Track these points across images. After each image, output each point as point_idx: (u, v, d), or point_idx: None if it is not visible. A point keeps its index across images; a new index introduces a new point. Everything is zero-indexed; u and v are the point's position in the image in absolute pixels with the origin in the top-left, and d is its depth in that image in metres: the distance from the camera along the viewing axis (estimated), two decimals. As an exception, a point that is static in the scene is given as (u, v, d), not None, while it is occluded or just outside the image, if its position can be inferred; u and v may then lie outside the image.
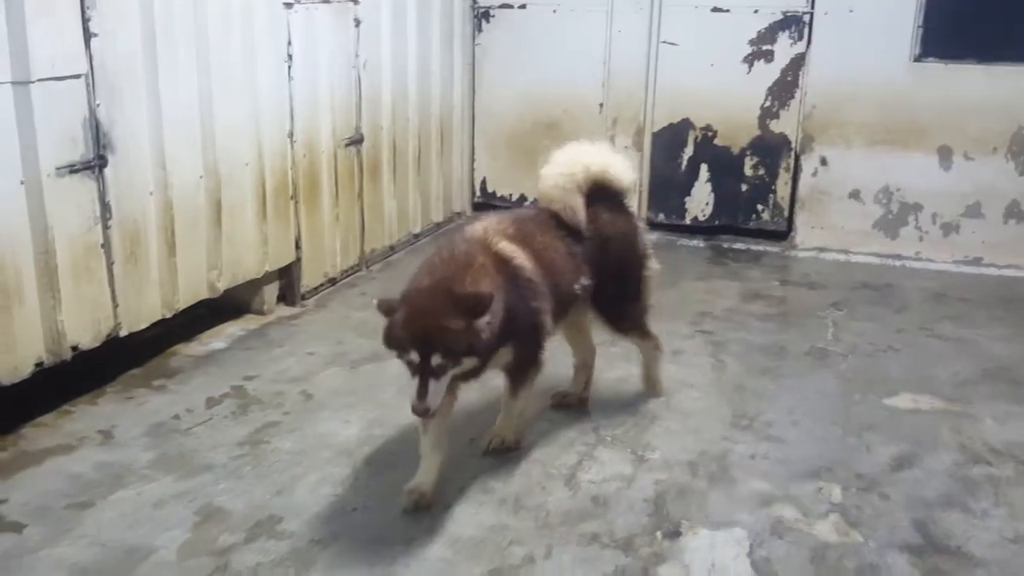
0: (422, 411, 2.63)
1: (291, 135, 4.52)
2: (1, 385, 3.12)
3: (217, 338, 4.25)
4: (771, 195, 6.12)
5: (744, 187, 6.16)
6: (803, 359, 4.12)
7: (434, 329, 2.60)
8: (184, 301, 3.93)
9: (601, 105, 6.35)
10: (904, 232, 5.82)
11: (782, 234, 6.10)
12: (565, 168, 3.24)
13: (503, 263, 2.90)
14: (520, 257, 2.96)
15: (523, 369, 3.07)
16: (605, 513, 2.85)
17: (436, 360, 2.60)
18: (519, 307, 2.88)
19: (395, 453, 3.22)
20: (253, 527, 2.78)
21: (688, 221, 6.29)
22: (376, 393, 3.72)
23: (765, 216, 6.16)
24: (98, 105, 3.34)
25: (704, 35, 6.04)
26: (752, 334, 4.43)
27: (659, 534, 2.74)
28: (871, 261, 5.72)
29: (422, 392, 2.61)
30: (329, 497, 2.96)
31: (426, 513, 2.84)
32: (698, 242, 6.11)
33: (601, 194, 3.30)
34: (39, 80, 3.08)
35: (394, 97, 5.47)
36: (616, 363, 3.99)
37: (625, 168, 3.38)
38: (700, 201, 6.25)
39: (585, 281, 3.23)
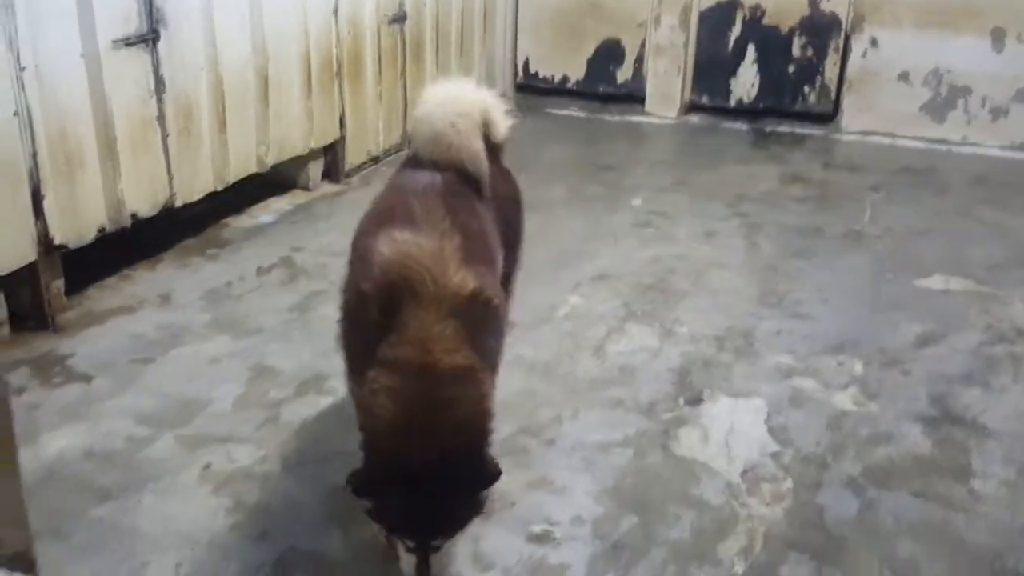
0: None
1: (335, 11, 4.53)
2: (67, 248, 3.30)
3: (265, 212, 4.39)
4: (819, 77, 6.00)
5: (791, 68, 6.04)
6: (838, 240, 4.15)
7: (442, 519, 1.95)
8: (234, 175, 4.06)
9: (648, -18, 6.21)
10: (952, 116, 5.70)
11: (828, 117, 6.00)
12: (458, 106, 2.35)
13: (473, 309, 1.98)
14: (487, 286, 2.05)
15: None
16: (631, 381, 2.98)
17: (440, 543, 2.00)
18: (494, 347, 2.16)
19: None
20: (301, 384, 2.97)
21: (733, 104, 6.21)
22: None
23: (812, 98, 6.06)
24: (150, -20, 3.41)
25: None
26: (789, 216, 4.45)
27: (681, 400, 2.87)
28: (916, 145, 5.62)
29: (423, 572, 1.97)
30: (371, 360, 3.12)
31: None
32: (742, 124, 6.05)
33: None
34: (95, -43, 3.15)
35: (437, -26, 5.42)
36: (649, 243, 4.07)
37: (504, 115, 2.53)
38: (746, 83, 6.16)
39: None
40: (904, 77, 5.76)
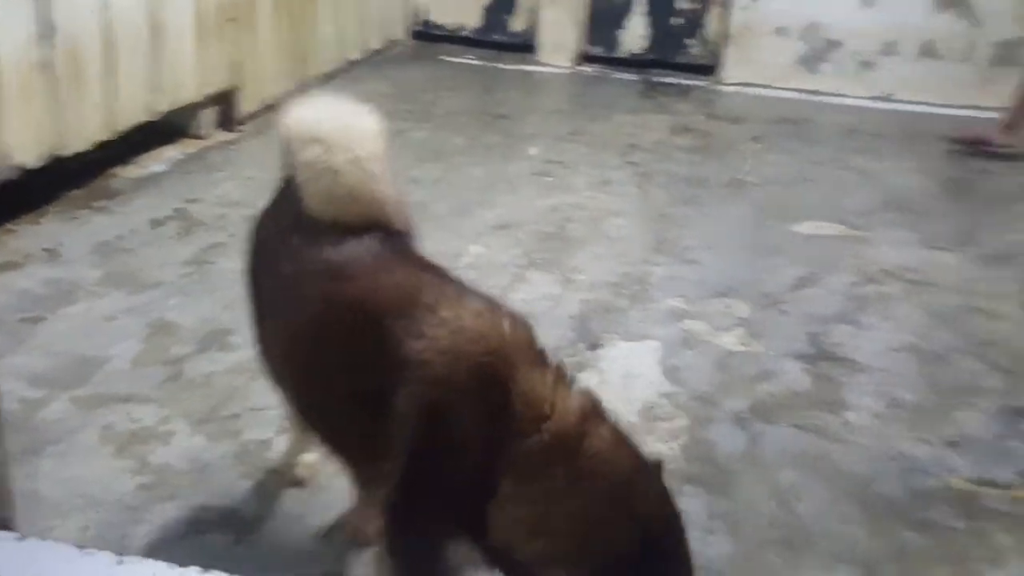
0: None
1: (225, -46, 4.30)
2: (-56, 204, 3.07)
3: (156, 161, 4.17)
4: (702, 30, 6.07)
5: (678, 21, 6.08)
6: (722, 189, 4.25)
7: None
8: (125, 123, 3.84)
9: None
10: (824, 68, 5.88)
11: (710, 69, 6.09)
12: (363, 143, 1.74)
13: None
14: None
15: None
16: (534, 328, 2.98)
17: None
18: None
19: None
20: (204, 339, 2.85)
21: (623, 54, 6.22)
22: (317, 216, 3.74)
23: (696, 50, 6.13)
24: (28, -82, 3.14)
25: None
26: (677, 165, 4.52)
27: (581, 346, 2.89)
28: (792, 96, 5.78)
29: None
30: (275, 313, 3.03)
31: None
32: (631, 75, 6.07)
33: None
34: None
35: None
36: (548, 192, 4.06)
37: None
38: (635, 34, 6.18)
39: None
40: (782, 31, 5.89)
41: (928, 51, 5.63)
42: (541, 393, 1.41)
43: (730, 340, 2.95)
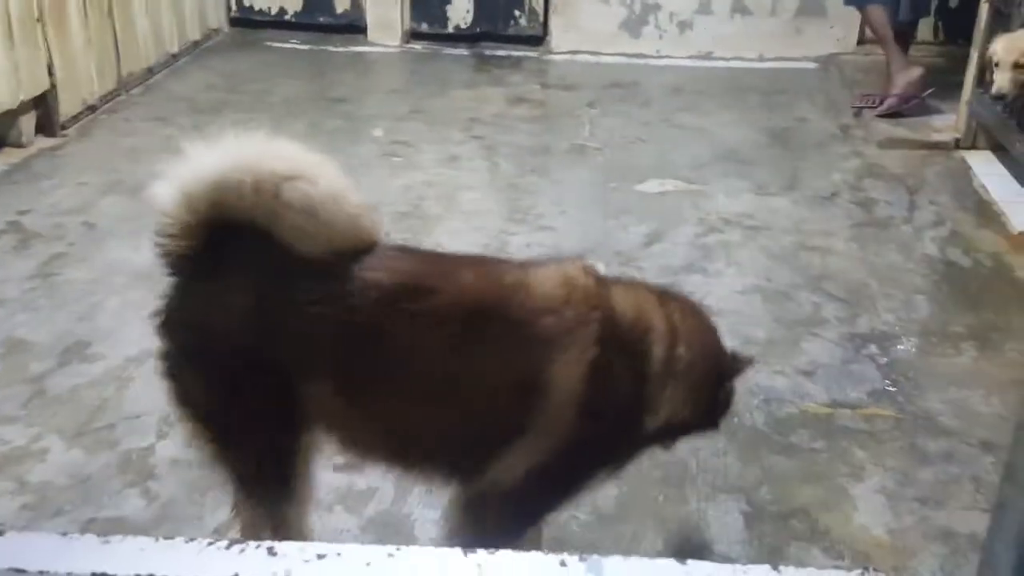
0: None
1: (27, -51, 4.08)
2: None
3: (-23, 175, 3.96)
4: (526, 1, 6.24)
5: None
6: (565, 156, 4.43)
7: None
8: (-64, 136, 3.61)
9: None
10: (646, 31, 6.17)
11: (538, 39, 6.27)
12: (319, 177, 1.62)
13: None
14: None
15: None
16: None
17: None
18: None
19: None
20: (62, 353, 2.78)
21: (451, 30, 6.31)
22: (163, 217, 3.66)
23: (523, 22, 6.30)
24: None
25: None
26: (519, 136, 4.67)
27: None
28: (619, 61, 6.03)
29: None
30: (134, 319, 2.92)
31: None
32: (461, 50, 6.17)
33: None
34: None
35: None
36: (398, 172, 4.13)
37: None
38: (461, 9, 6.27)
39: None
40: (603, -2, 6.14)
41: (739, 8, 6.02)
42: (636, 313, 1.71)
43: (589, 297, 3.13)
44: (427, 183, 4.02)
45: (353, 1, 6.28)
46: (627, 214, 3.79)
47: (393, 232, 3.52)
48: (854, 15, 5.53)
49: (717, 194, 3.99)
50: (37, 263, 3.28)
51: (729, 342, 1.77)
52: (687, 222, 3.73)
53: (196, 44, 5.90)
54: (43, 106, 4.34)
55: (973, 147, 4.36)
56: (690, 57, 6.04)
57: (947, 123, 4.56)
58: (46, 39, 4.26)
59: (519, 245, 3.51)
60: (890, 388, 2.73)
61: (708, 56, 6.06)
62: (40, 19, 4.20)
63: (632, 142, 4.63)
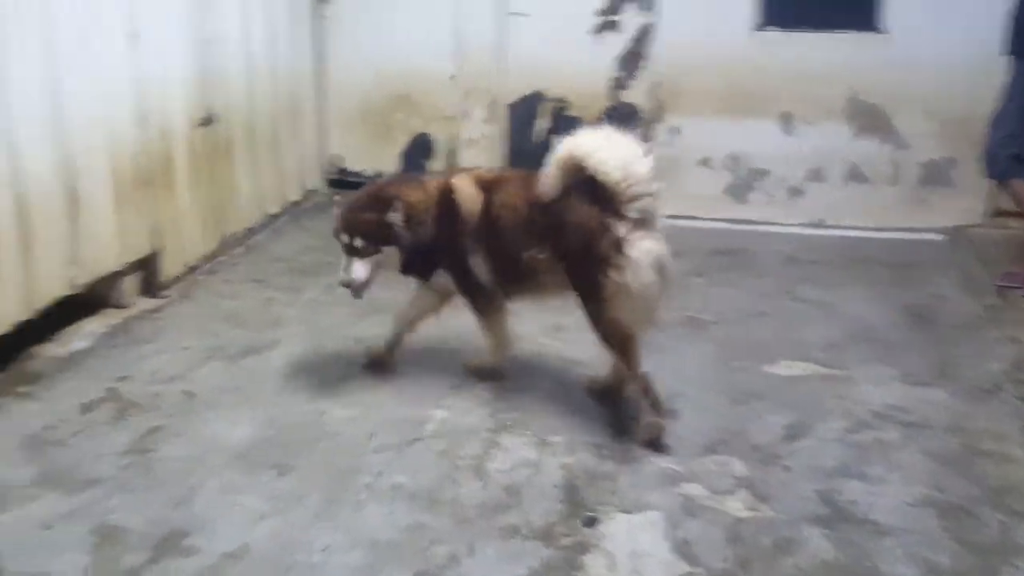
0: (346, 283, 3.38)
1: (143, 118, 4.29)
2: None
3: (78, 336, 4.00)
4: (627, 164, 6.30)
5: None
6: (677, 329, 4.28)
7: (352, 217, 3.37)
8: (44, 299, 3.71)
9: (452, 77, 6.32)
10: (752, 197, 6.15)
11: (636, 203, 6.28)
12: (563, 145, 3.16)
13: (448, 195, 3.43)
14: (467, 198, 3.41)
15: (462, 296, 3.61)
16: (520, 503, 2.88)
17: (357, 243, 3.34)
18: (446, 235, 3.42)
19: (293, 453, 3.16)
20: (157, 545, 2.67)
21: (548, 192, 6.37)
22: (261, 389, 3.62)
23: (622, 185, 6.33)
24: (-57, 95, 3.06)
25: (553, 4, 6.13)
26: (624, 306, 4.56)
27: (577, 522, 2.79)
28: (723, 227, 5.99)
29: (347, 268, 3.37)
30: (233, 505, 2.87)
31: (339, 515, 2.81)
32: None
33: (591, 183, 3.12)
34: None
35: (244, 74, 5.27)
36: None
37: (612, 162, 3.05)
38: (558, 172, 6.35)
39: (539, 253, 3.31)
40: (705, 162, 6.18)
41: (855, 175, 5.98)
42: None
43: (735, 505, 2.87)
44: (529, 352, 3.91)
45: (448, 164, 6.43)
46: (759, 400, 3.58)
47: (499, 413, 3.40)
48: (980, 186, 5.43)
49: (860, 381, 3.73)
50: (134, 436, 3.24)
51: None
52: (831, 414, 3.47)
53: (295, 204, 6.08)
54: (146, 268, 4.45)
55: None
56: (801, 224, 5.97)
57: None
58: (154, 202, 4.41)
59: (640, 433, 3.33)
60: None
61: (820, 224, 5.98)
62: (150, 183, 4.36)
63: (751, 316, 4.48)
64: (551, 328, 4.15)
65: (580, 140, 3.15)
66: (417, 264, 3.51)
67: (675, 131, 6.19)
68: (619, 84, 6.21)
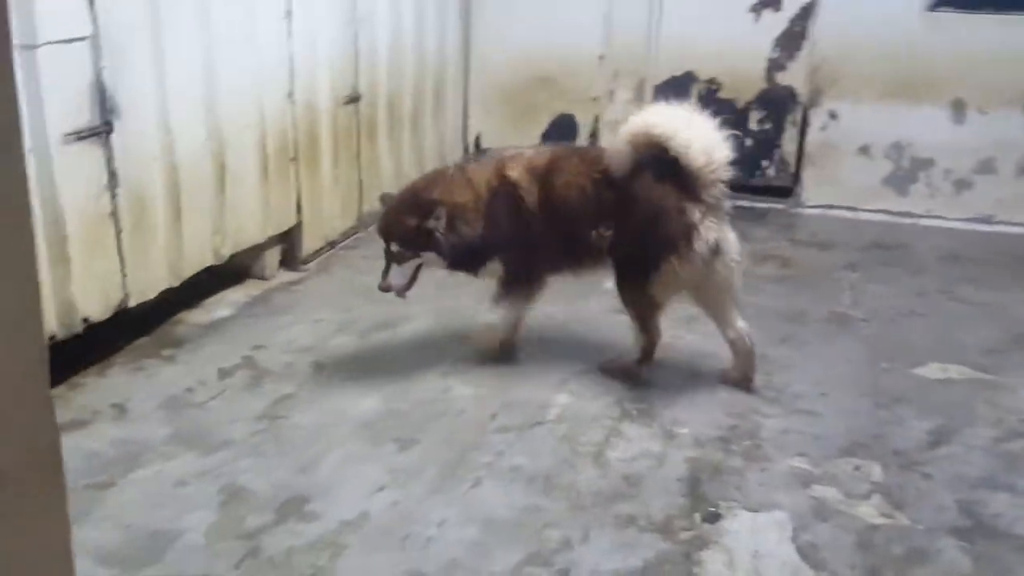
0: (384, 288, 3.39)
1: (291, 94, 4.41)
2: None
3: (221, 305, 4.18)
4: (776, 150, 6.08)
5: (749, 142, 6.10)
6: (823, 325, 4.11)
7: (391, 223, 3.37)
8: (190, 268, 3.87)
9: (601, 57, 6.24)
10: (914, 189, 5.80)
11: (787, 190, 6.06)
12: (635, 121, 3.17)
13: (505, 186, 3.37)
14: (526, 188, 3.36)
15: (502, 282, 3.52)
16: (639, 494, 2.83)
17: (394, 248, 3.34)
18: (505, 226, 3.37)
19: (416, 427, 3.20)
20: (281, 507, 2.75)
21: (692, 178, 6.22)
22: (390, 363, 3.69)
23: (770, 172, 6.12)
24: (103, 68, 3.23)
25: (710, -17, 5.95)
26: (767, 298, 4.40)
27: (697, 516, 2.72)
28: (880, 219, 5.69)
29: (384, 273, 3.38)
30: (354, 475, 2.93)
31: (456, 491, 2.82)
32: (704, 200, 6.03)
33: (664, 162, 3.14)
34: (45, 44, 2.96)
35: (390, 53, 5.34)
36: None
37: (697, 145, 3.09)
38: (704, 158, 6.19)
39: (605, 230, 3.30)
40: (865, 150, 5.86)
41: (1029, 169, 5.55)
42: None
43: (868, 510, 2.74)
44: (663, 346, 3.81)
45: (590, 145, 6.37)
46: (904, 404, 3.39)
47: (624, 401, 3.35)
48: None
49: (1018, 388, 3.49)
50: (266, 403, 3.36)
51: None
52: (981, 421, 3.26)
53: (435, 183, 6.15)
54: (288, 241, 4.60)
55: None
56: (966, 219, 5.59)
57: None
58: (298, 178, 4.54)
59: (773, 430, 3.20)
60: None
61: (988, 220, 5.58)
62: (295, 159, 4.49)
63: (905, 315, 4.22)
64: (684, 320, 4.03)
65: (655, 118, 3.15)
66: (466, 260, 3.45)
67: (833, 116, 5.90)
68: (776, 65, 5.96)
